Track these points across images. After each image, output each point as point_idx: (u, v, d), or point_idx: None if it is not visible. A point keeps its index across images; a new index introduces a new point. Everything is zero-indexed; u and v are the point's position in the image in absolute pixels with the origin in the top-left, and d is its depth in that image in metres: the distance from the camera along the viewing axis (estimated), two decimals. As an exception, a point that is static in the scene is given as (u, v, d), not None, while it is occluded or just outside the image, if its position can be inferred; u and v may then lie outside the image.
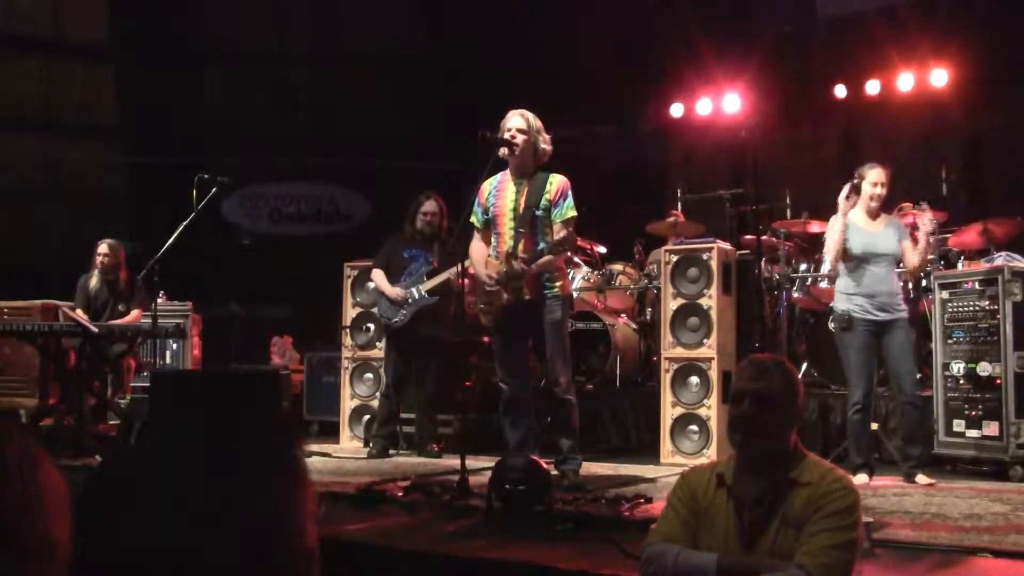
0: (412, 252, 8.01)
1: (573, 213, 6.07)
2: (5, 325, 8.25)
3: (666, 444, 7.43)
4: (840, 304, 6.54)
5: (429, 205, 8.04)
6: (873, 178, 6.51)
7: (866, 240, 6.46)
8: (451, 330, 8.13)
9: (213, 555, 1.22)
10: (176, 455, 1.29)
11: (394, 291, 7.88)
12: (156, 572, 1.21)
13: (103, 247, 8.65)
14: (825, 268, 8.03)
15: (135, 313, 8.46)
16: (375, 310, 8.38)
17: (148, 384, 7.69)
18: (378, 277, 8.05)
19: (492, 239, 6.23)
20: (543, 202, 6.03)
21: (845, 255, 6.48)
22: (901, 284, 6.56)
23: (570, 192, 6.08)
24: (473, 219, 6.28)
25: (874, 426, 6.91)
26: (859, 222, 6.53)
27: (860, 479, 6.22)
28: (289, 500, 1.29)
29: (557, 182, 6.08)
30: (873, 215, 6.54)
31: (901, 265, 6.62)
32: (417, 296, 7.82)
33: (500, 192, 6.20)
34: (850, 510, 2.90)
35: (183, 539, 1.22)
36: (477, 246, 6.28)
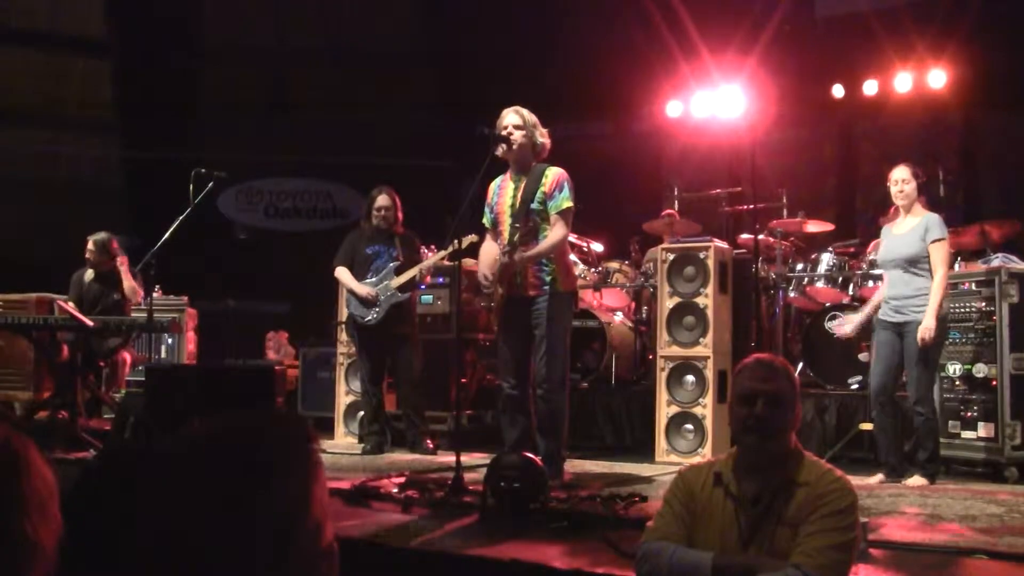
0: (375, 248, 7.96)
1: (569, 204, 6.04)
2: (-1, 318, 8.23)
3: (661, 443, 7.41)
4: None
5: (382, 200, 7.97)
6: (893, 176, 6.47)
7: (886, 246, 6.49)
8: (415, 324, 8.12)
9: (224, 555, 1.19)
10: (183, 453, 1.27)
11: (364, 290, 7.83)
12: (163, 573, 1.19)
13: (89, 243, 8.65)
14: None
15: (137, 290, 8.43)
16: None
17: (143, 378, 7.66)
18: (344, 275, 7.99)
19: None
20: (539, 195, 6.02)
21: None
22: (923, 285, 6.26)
23: (567, 183, 6.05)
24: (484, 220, 6.31)
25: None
26: (892, 227, 6.53)
27: (874, 478, 6.24)
28: (303, 497, 1.27)
29: (553, 174, 6.07)
30: (904, 212, 6.48)
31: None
32: (388, 293, 7.80)
33: (502, 190, 6.23)
34: (848, 511, 2.89)
35: (192, 539, 1.19)
36: (486, 246, 6.29)
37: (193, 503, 1.21)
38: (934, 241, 6.25)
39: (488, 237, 6.36)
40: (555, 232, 6.01)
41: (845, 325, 6.89)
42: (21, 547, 1.13)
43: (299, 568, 1.24)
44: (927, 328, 6.08)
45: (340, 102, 15.02)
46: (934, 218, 6.38)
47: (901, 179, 6.45)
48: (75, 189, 14.94)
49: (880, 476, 6.30)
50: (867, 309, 6.69)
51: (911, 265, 6.31)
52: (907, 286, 6.31)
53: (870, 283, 8.27)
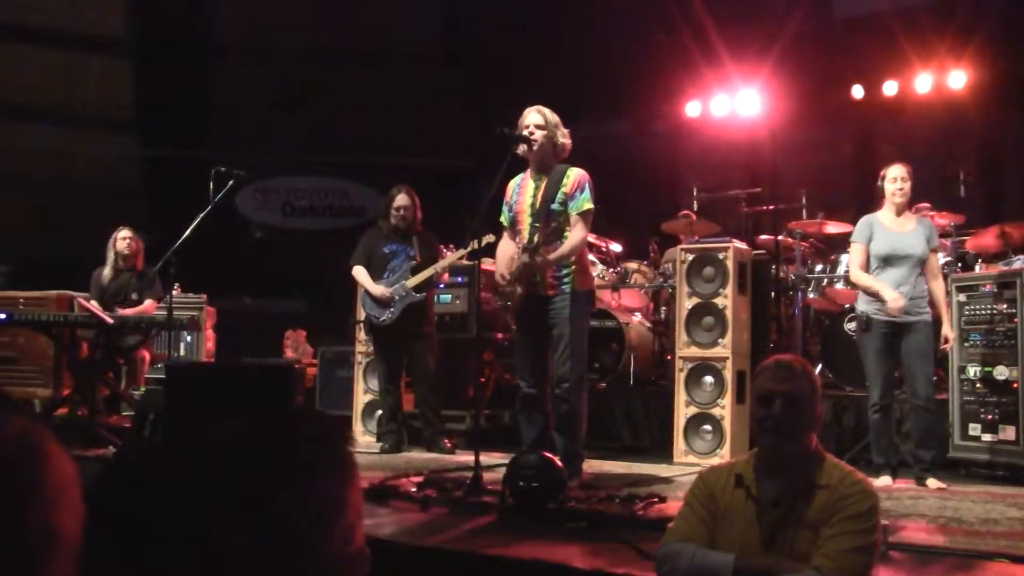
0: (392, 247, 7.95)
1: (589, 206, 6.01)
2: (20, 315, 8.26)
3: (679, 443, 7.40)
4: (860, 305, 6.52)
5: (401, 199, 7.96)
6: (893, 174, 6.50)
7: (890, 240, 6.42)
8: (432, 324, 8.10)
9: (254, 553, 1.20)
10: (211, 451, 1.27)
11: (379, 290, 7.82)
12: (190, 568, 1.20)
13: (125, 231, 8.67)
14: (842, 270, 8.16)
15: (149, 303, 8.46)
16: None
17: (162, 376, 7.68)
18: (360, 275, 7.98)
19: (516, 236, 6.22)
20: (559, 196, 5.99)
21: (868, 256, 6.48)
22: (925, 287, 6.41)
23: (588, 185, 6.02)
24: (502, 218, 6.30)
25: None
26: (886, 222, 6.50)
27: (882, 480, 6.20)
28: (338, 499, 1.27)
29: (574, 175, 6.05)
30: (899, 212, 6.50)
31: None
32: (404, 293, 7.79)
33: (521, 189, 6.19)
34: (869, 514, 2.88)
35: (221, 537, 1.19)
36: (503, 244, 6.27)
37: (219, 501, 1.21)
38: (934, 250, 6.46)
39: (505, 236, 6.34)
40: (575, 234, 5.99)
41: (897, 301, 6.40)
42: (42, 536, 1.14)
43: (330, 569, 1.24)
44: (953, 336, 6.59)
45: (355, 101, 15.04)
46: (932, 224, 6.62)
47: (901, 177, 6.48)
48: (91, 187, 15.00)
49: (887, 479, 6.28)
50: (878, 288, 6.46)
51: (919, 265, 6.39)
52: (913, 287, 6.34)
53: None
